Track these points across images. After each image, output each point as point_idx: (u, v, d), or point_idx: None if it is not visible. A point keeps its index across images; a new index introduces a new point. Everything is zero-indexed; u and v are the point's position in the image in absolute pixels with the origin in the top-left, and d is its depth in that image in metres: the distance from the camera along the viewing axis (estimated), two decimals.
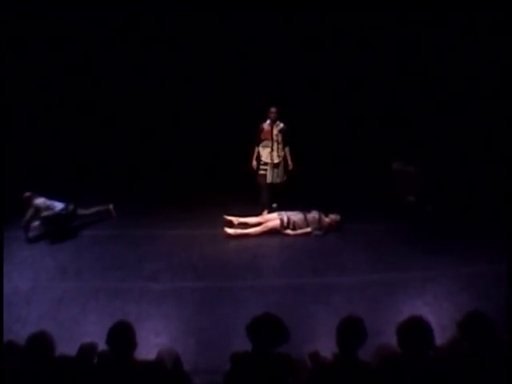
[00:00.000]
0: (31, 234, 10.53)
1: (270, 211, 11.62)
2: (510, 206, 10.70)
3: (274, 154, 11.50)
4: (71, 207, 10.78)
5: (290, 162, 11.67)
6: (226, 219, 11.19)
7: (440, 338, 5.16)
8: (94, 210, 11.24)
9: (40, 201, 10.57)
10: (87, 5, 13.17)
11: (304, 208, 11.11)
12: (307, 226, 10.85)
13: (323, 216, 10.99)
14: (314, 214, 11.00)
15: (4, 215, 10.62)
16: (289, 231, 10.78)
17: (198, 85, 14.21)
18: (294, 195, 12.01)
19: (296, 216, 10.95)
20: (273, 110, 11.42)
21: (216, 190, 12.77)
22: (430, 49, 13.65)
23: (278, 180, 11.66)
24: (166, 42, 14.00)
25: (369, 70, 14.03)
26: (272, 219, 10.97)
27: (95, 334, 6.58)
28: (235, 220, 11.18)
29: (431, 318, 5.40)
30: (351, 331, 4.82)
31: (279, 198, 11.91)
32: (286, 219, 10.82)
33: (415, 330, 4.75)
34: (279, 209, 11.42)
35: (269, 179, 11.60)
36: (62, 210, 10.60)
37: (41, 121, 13.93)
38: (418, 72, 13.81)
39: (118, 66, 14.13)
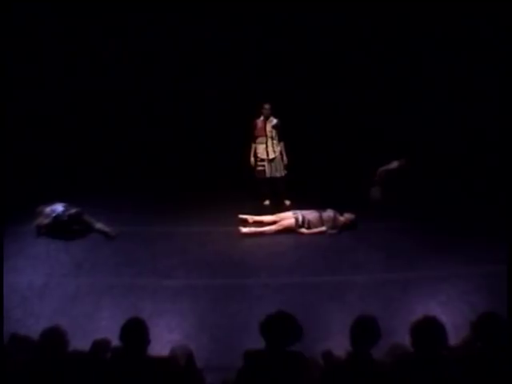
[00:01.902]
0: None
1: (271, 202, 12.02)
2: None
3: (270, 149, 11.61)
4: (71, 211, 10.58)
5: (285, 158, 11.74)
6: (240, 218, 11.19)
7: (453, 338, 5.15)
8: (98, 226, 10.81)
9: (46, 210, 10.59)
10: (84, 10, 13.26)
11: (319, 207, 11.08)
12: (322, 224, 10.79)
13: (338, 215, 10.95)
14: (329, 213, 10.94)
15: (19, 209, 10.74)
16: (304, 230, 10.73)
17: (207, 80, 14.20)
18: (309, 194, 12.02)
19: (311, 215, 10.90)
20: (266, 106, 11.52)
21: (230, 188, 12.72)
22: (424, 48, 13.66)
23: (277, 174, 11.76)
24: (163, 40, 14.00)
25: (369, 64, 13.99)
26: (287, 218, 10.90)
27: (108, 329, 6.60)
28: (250, 218, 11.16)
29: (445, 318, 5.40)
30: (365, 330, 4.81)
31: (281, 194, 12.02)
32: (301, 218, 10.78)
33: (429, 329, 4.74)
34: (294, 207, 11.36)
35: (268, 174, 11.73)
36: (57, 215, 10.54)
37: (47, 120, 13.96)
38: (416, 69, 13.79)
39: (118, 64, 14.14)
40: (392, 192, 12.07)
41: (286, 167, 11.79)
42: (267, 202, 12.12)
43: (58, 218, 10.42)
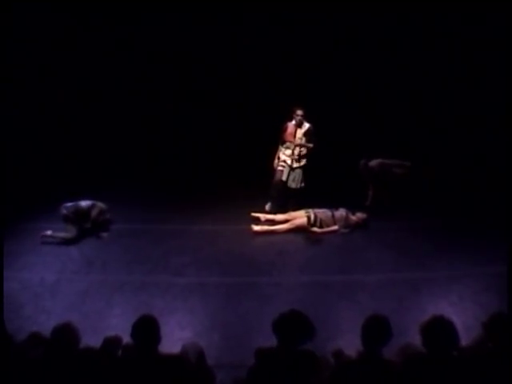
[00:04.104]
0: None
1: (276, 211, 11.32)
2: None
3: (295, 157, 11.09)
4: (63, 211, 10.27)
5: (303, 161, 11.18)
6: (253, 216, 11.18)
7: (465, 338, 5.14)
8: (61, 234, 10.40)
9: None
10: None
11: (331, 206, 11.06)
12: (334, 223, 10.77)
13: (350, 214, 10.93)
14: (341, 212, 10.92)
15: (31, 207, 10.79)
16: (316, 229, 10.68)
17: (223, 79, 14.24)
18: (321, 194, 11.96)
19: (323, 214, 10.87)
20: (299, 112, 10.87)
21: (243, 186, 12.73)
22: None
23: (293, 185, 11.20)
24: (185, 40, 14.06)
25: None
26: (299, 216, 10.85)
27: (120, 327, 6.66)
28: (262, 217, 11.15)
29: (456, 318, 5.38)
30: (376, 330, 4.81)
31: (291, 205, 11.38)
32: (313, 217, 10.74)
33: (438, 329, 4.74)
34: (306, 207, 11.26)
35: (284, 177, 11.15)
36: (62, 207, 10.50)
37: (60, 117, 14.02)
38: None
39: (137, 61, 14.25)
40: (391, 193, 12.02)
41: (305, 180, 11.25)
42: (268, 207, 11.65)
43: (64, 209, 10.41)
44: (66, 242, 10.13)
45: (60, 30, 13.38)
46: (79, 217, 10.29)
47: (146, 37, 13.97)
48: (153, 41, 14.03)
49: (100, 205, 10.57)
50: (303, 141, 11.04)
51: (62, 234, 10.22)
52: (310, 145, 11.06)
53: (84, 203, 10.39)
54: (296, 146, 11.03)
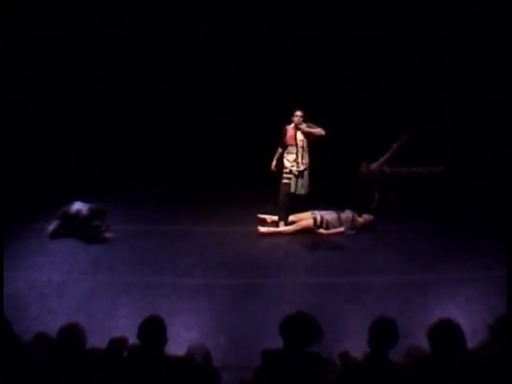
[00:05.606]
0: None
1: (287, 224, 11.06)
2: None
3: (299, 160, 10.72)
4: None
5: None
6: (259, 217, 11.22)
7: (472, 341, 5.12)
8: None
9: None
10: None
11: (338, 208, 11.04)
12: (340, 225, 10.71)
13: (357, 216, 10.92)
14: (347, 214, 10.91)
15: (38, 207, 10.82)
16: (322, 230, 10.64)
17: (228, 80, 14.26)
18: (327, 195, 11.93)
19: (329, 215, 10.85)
20: (298, 113, 10.53)
21: (249, 188, 12.76)
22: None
23: (302, 191, 10.81)
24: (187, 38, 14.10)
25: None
26: (305, 218, 10.85)
27: (126, 327, 6.63)
28: (268, 218, 11.20)
29: (463, 321, 5.37)
30: (383, 332, 4.79)
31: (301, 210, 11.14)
32: (319, 218, 10.73)
33: (445, 332, 4.72)
34: (312, 208, 11.22)
35: (292, 189, 10.75)
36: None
37: (65, 118, 14.05)
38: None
39: (145, 60, 14.30)
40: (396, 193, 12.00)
41: (312, 184, 10.89)
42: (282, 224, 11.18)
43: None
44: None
45: (63, 29, 13.44)
46: (68, 219, 10.38)
47: (147, 39, 14.02)
48: (154, 43, 14.08)
49: (84, 213, 10.29)
50: (304, 143, 10.76)
51: (50, 228, 10.34)
52: (317, 129, 10.64)
53: (74, 208, 10.37)
54: (299, 148, 10.77)
